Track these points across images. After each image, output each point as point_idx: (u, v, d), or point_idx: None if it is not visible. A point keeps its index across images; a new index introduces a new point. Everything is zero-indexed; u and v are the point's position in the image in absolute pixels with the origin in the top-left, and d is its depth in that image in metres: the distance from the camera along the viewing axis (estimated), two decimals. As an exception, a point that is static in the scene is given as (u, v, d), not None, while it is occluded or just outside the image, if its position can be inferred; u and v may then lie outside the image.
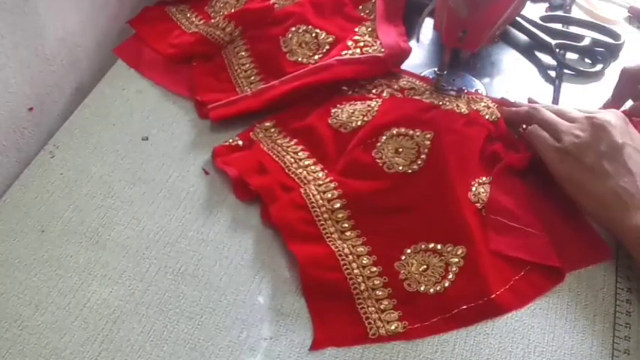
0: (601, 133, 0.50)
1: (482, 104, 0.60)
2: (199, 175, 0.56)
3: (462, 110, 0.59)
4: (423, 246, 0.50)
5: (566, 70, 0.66)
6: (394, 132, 0.56)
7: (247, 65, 0.65)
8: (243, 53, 0.65)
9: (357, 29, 0.66)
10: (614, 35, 0.68)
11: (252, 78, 0.64)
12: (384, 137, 0.55)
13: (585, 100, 0.63)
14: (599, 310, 0.48)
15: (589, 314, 0.48)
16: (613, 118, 0.52)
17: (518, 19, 0.69)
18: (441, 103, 0.60)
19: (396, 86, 0.62)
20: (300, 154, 0.57)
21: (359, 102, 0.60)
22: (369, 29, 0.66)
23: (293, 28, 0.65)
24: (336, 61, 0.61)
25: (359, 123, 0.57)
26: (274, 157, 0.57)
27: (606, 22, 0.71)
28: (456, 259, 0.49)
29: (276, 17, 0.66)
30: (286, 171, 0.56)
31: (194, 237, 0.52)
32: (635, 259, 0.48)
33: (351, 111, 0.58)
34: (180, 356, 0.45)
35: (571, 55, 0.68)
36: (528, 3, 0.69)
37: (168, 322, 0.47)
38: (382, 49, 0.63)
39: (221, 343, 0.46)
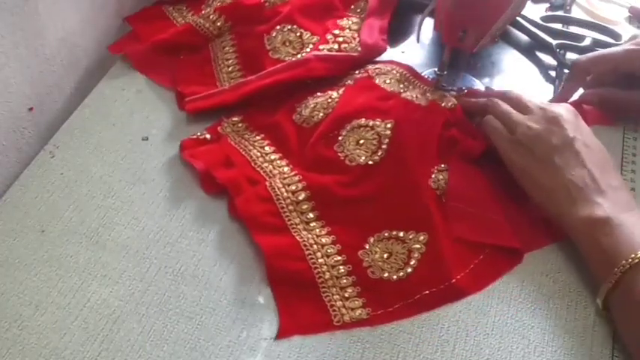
0: (553, 127, 0.51)
1: (438, 94, 0.60)
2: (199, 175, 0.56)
3: (421, 102, 0.59)
4: (386, 234, 0.51)
5: (566, 70, 0.66)
6: (355, 124, 0.56)
7: (231, 61, 0.65)
8: (228, 48, 0.66)
9: (339, 21, 0.66)
10: (615, 35, 0.68)
11: (234, 74, 0.64)
12: (345, 130, 0.56)
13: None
14: (600, 311, 0.48)
15: (589, 315, 0.48)
16: (565, 112, 0.53)
17: (518, 19, 0.69)
18: (401, 89, 0.60)
19: (364, 73, 0.62)
20: (266, 148, 0.57)
21: (320, 94, 0.60)
22: (352, 22, 0.66)
23: (278, 27, 0.66)
24: (314, 56, 0.62)
25: (320, 116, 0.57)
26: (241, 151, 0.57)
27: (607, 22, 0.71)
28: (418, 246, 0.50)
29: (265, 15, 0.67)
30: (252, 165, 0.56)
31: (194, 237, 0.52)
32: (581, 252, 0.49)
33: (313, 105, 0.59)
34: (181, 356, 0.45)
35: (571, 56, 0.68)
36: (529, 3, 0.69)
37: (169, 322, 0.47)
38: (359, 48, 0.63)
39: (221, 343, 0.46)
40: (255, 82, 0.61)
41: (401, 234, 0.51)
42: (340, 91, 0.60)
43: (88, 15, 0.66)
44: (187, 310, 0.48)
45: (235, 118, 0.60)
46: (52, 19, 0.60)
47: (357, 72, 0.63)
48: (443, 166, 0.54)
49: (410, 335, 0.47)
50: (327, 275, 0.49)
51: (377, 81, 0.61)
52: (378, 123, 0.55)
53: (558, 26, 0.70)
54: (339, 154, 0.55)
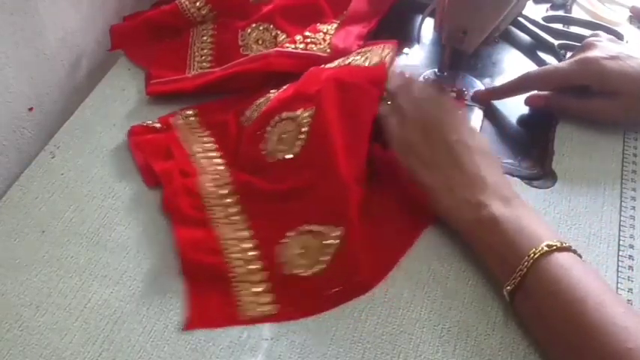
0: (431, 132, 0.52)
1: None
2: (200, 175, 0.56)
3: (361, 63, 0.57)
4: (306, 228, 0.50)
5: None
6: (277, 118, 0.55)
7: (206, 51, 0.65)
8: (207, 38, 0.66)
9: (319, 25, 0.65)
10: (617, 35, 0.68)
11: (204, 64, 0.64)
12: (270, 127, 0.55)
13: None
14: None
15: (590, 315, 0.48)
16: (444, 112, 0.53)
17: (520, 19, 0.69)
18: (349, 61, 0.58)
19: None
20: (208, 145, 0.57)
21: (269, 95, 0.59)
22: (331, 27, 0.65)
23: (254, 24, 0.66)
24: (275, 52, 0.61)
25: (255, 115, 0.57)
26: (183, 144, 0.57)
27: (608, 22, 0.71)
28: (332, 241, 0.49)
29: (248, 11, 0.67)
30: (190, 159, 0.56)
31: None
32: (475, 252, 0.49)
33: (255, 107, 0.58)
34: (181, 357, 0.45)
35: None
36: (530, 3, 0.69)
37: (169, 322, 0.47)
38: (328, 50, 0.62)
39: (222, 344, 0.46)
40: (216, 74, 0.61)
41: (319, 228, 0.50)
42: (282, 89, 0.58)
43: (88, 15, 0.66)
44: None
45: (189, 112, 0.60)
46: (52, 19, 0.60)
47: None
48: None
49: (411, 336, 0.47)
50: (240, 270, 0.48)
51: (323, 65, 0.59)
52: (298, 113, 0.54)
53: (559, 26, 0.70)
54: (262, 152, 0.54)
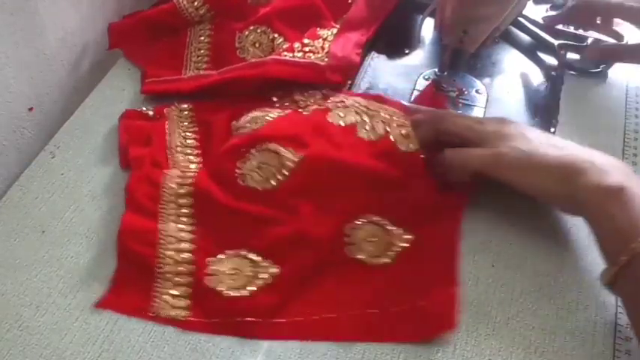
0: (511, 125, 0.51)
1: (401, 128, 0.55)
2: (200, 175, 0.56)
3: (371, 136, 0.54)
4: (244, 252, 0.50)
5: (568, 71, 0.66)
6: (264, 147, 0.53)
7: (202, 51, 0.65)
8: (204, 38, 0.66)
9: (319, 30, 0.65)
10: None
11: (200, 65, 0.64)
12: (255, 150, 0.53)
13: (587, 100, 0.63)
14: (601, 311, 0.48)
15: (590, 315, 0.48)
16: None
17: (520, 19, 0.69)
18: (358, 118, 0.56)
19: (325, 104, 0.58)
20: (189, 141, 0.58)
21: (267, 109, 0.58)
22: (331, 33, 0.64)
23: (252, 27, 0.65)
24: (272, 59, 0.61)
25: (246, 129, 0.55)
26: (167, 135, 0.58)
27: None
28: (266, 275, 0.48)
29: (246, 12, 0.66)
30: (166, 151, 0.57)
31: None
32: (590, 224, 0.47)
33: (250, 117, 0.56)
34: (181, 357, 0.45)
35: (572, 55, 0.68)
36: (530, 3, 0.69)
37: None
38: (326, 59, 0.61)
39: (222, 344, 0.46)
40: (213, 77, 0.61)
41: (255, 257, 0.49)
42: (284, 112, 0.57)
43: (88, 15, 0.66)
44: (188, 310, 0.48)
45: (185, 105, 0.61)
46: (52, 19, 0.60)
47: (320, 102, 0.59)
48: (372, 217, 0.51)
49: (411, 336, 0.47)
50: (167, 268, 0.48)
51: (329, 114, 0.56)
52: (288, 152, 0.52)
53: (559, 26, 0.70)
54: (237, 170, 0.53)
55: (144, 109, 0.60)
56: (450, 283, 0.48)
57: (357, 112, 0.56)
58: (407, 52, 0.68)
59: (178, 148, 0.57)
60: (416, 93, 0.63)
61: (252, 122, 0.56)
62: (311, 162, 0.52)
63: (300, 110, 0.58)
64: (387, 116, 0.56)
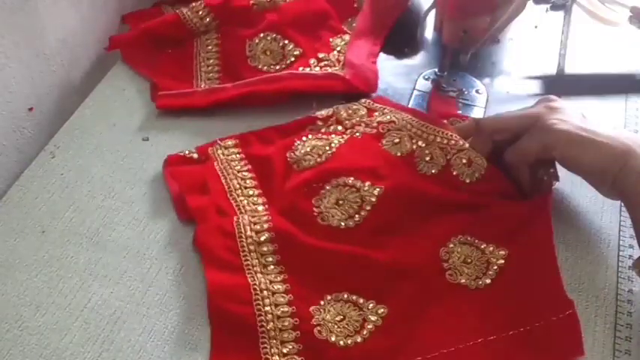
0: (554, 110, 0.50)
1: (461, 154, 0.53)
2: (200, 175, 0.56)
3: (432, 170, 0.53)
4: (345, 296, 0.47)
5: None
6: (341, 181, 0.52)
7: (212, 61, 0.64)
8: (212, 47, 0.65)
9: (332, 40, 0.65)
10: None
11: (211, 75, 0.63)
12: (330, 185, 0.52)
13: (588, 101, 0.63)
14: (600, 311, 0.48)
15: (590, 315, 0.48)
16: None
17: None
18: (414, 146, 0.54)
19: (374, 123, 0.57)
20: (248, 181, 0.55)
21: (322, 136, 0.56)
22: (343, 42, 0.64)
23: (262, 34, 0.64)
24: (289, 74, 0.60)
25: (312, 162, 0.53)
26: (222, 178, 0.55)
27: (608, 23, 0.71)
28: (375, 317, 0.46)
29: (251, 19, 0.65)
30: (227, 195, 0.53)
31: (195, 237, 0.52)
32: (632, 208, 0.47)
33: (309, 148, 0.55)
34: (182, 357, 0.45)
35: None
36: (530, 3, 0.69)
37: (169, 322, 0.47)
38: (343, 70, 0.61)
39: None
40: (230, 91, 0.60)
41: (360, 300, 0.47)
42: (342, 139, 0.55)
43: (88, 15, 0.66)
44: (188, 310, 0.47)
45: (230, 142, 0.58)
46: (52, 19, 0.60)
47: (366, 120, 0.57)
48: (461, 237, 0.50)
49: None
50: (270, 325, 0.45)
51: (384, 142, 0.55)
52: (365, 186, 0.51)
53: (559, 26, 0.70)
54: (315, 208, 0.51)
55: (187, 152, 0.56)
56: (564, 302, 0.46)
57: (411, 137, 0.55)
58: (407, 51, 0.68)
59: (237, 192, 0.54)
60: (416, 93, 0.63)
61: (315, 154, 0.54)
62: (391, 194, 0.51)
63: (348, 132, 0.56)
64: (444, 141, 0.54)
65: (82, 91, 0.64)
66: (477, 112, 0.62)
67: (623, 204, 0.50)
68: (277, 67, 0.63)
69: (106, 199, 0.54)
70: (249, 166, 0.56)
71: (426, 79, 0.64)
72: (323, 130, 0.57)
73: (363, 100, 0.59)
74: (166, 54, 0.65)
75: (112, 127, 0.60)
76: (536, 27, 0.69)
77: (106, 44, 0.67)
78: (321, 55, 0.63)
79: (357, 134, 0.56)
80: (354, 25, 0.67)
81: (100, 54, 0.68)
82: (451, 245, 0.49)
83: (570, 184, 0.56)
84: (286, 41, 0.64)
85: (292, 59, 0.63)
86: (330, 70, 0.61)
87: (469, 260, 0.49)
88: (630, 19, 0.73)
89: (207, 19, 0.66)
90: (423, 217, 0.51)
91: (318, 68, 0.62)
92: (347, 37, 0.65)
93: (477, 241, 0.50)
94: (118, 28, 0.70)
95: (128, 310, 0.47)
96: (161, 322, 0.47)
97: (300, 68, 0.62)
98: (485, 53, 0.68)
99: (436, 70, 0.64)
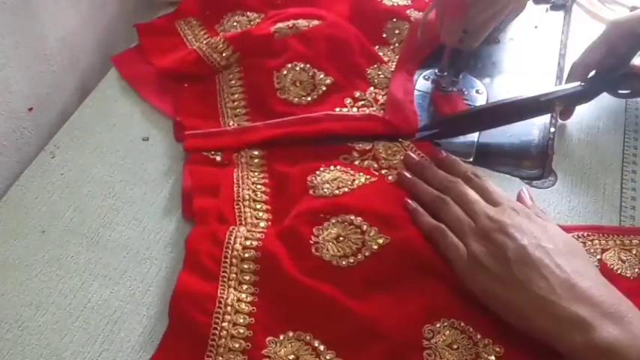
0: (505, 238, 0.44)
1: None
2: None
3: None
4: (307, 338, 0.44)
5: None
6: (347, 218, 0.49)
7: (237, 95, 0.61)
8: (235, 82, 0.62)
9: (368, 71, 0.62)
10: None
11: (238, 110, 0.60)
12: (335, 219, 0.50)
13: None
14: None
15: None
16: (513, 216, 0.46)
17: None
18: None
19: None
20: (259, 194, 0.54)
21: (350, 170, 0.54)
22: (381, 75, 0.62)
23: (289, 65, 0.61)
24: (326, 115, 0.58)
25: (327, 193, 0.52)
26: (235, 186, 0.54)
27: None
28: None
29: (275, 48, 0.62)
30: (235, 204, 0.53)
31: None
32: None
33: (332, 178, 0.53)
34: (181, 357, 0.45)
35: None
36: (530, 3, 0.69)
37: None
38: (381, 112, 0.58)
39: None
40: (262, 132, 0.57)
41: (321, 347, 0.44)
42: (369, 179, 0.53)
43: (88, 15, 0.66)
44: (188, 310, 0.47)
45: (256, 152, 0.57)
46: (52, 19, 0.60)
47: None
48: (454, 321, 0.45)
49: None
50: (222, 342, 0.44)
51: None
52: (371, 231, 0.49)
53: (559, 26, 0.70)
54: (313, 237, 0.49)
55: (212, 153, 0.56)
56: None
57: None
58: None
59: (246, 202, 0.53)
60: (416, 93, 0.63)
61: (334, 185, 0.52)
62: (398, 248, 0.48)
63: (383, 172, 0.54)
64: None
65: (82, 91, 0.64)
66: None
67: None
68: (309, 99, 0.60)
69: (107, 199, 0.54)
70: (267, 180, 0.55)
71: (426, 79, 0.64)
72: (357, 163, 0.55)
73: (406, 143, 0.57)
74: (184, 88, 0.62)
75: (112, 127, 0.60)
76: (536, 27, 0.70)
77: (107, 44, 0.67)
78: (357, 94, 0.60)
79: (390, 177, 0.54)
80: (391, 48, 0.65)
81: (100, 54, 0.68)
82: (438, 325, 0.45)
83: (570, 184, 0.56)
84: (316, 70, 0.61)
85: (324, 89, 0.60)
86: (367, 110, 0.59)
87: (455, 346, 0.44)
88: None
89: (226, 53, 0.63)
90: (420, 284, 0.47)
91: (355, 109, 0.59)
92: (384, 68, 0.63)
93: (471, 329, 0.45)
94: (118, 29, 0.70)
95: (128, 310, 0.47)
96: (161, 322, 0.47)
97: (337, 109, 0.59)
98: (485, 53, 0.68)
99: (436, 70, 0.64)
